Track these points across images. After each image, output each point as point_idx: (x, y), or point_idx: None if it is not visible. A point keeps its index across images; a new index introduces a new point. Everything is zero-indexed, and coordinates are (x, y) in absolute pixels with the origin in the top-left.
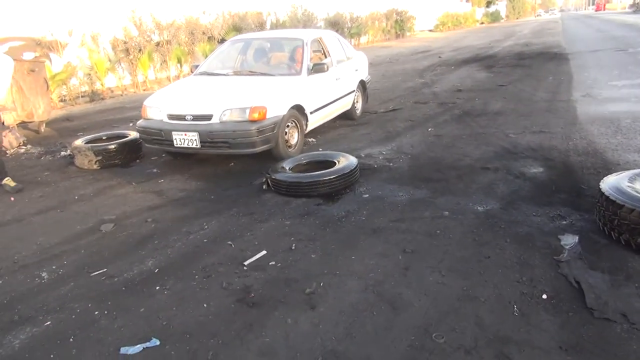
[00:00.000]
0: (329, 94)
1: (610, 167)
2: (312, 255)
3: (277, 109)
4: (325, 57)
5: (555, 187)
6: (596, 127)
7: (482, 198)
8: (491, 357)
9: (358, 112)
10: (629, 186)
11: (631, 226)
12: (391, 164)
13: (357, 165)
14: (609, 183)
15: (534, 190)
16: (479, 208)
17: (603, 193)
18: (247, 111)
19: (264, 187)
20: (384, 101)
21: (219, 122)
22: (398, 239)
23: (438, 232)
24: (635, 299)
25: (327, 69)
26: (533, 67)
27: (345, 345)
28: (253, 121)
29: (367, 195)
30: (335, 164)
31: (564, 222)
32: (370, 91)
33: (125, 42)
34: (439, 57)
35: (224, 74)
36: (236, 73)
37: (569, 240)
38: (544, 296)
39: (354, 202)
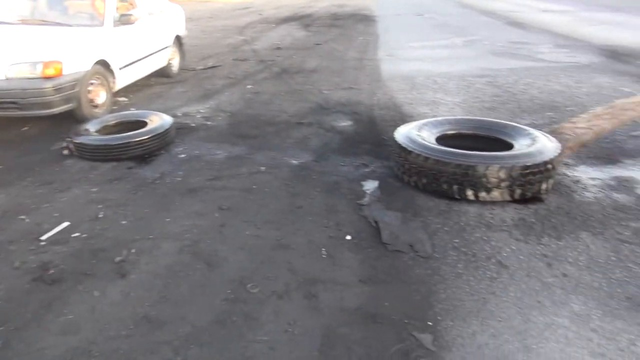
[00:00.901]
0: (140, 49)
1: (406, 119)
2: (123, 222)
3: (76, 65)
4: (134, 7)
5: (361, 138)
6: (396, 83)
7: (296, 152)
8: (301, 298)
9: (174, 69)
10: (417, 134)
11: (418, 169)
12: (209, 122)
13: (172, 125)
14: (401, 132)
15: (342, 142)
16: (293, 161)
17: (396, 141)
18: (39, 66)
19: (64, 152)
20: (203, 58)
21: (4, 78)
22: (215, 197)
23: (254, 187)
24: (420, 231)
25: (136, 21)
26: (346, 27)
27: (159, 309)
28: (47, 78)
29: (184, 155)
30: (147, 123)
31: (367, 170)
32: (188, 47)
33: None
34: (260, 14)
35: (8, 23)
36: (24, 22)
37: (370, 185)
38: (348, 237)
39: (169, 163)
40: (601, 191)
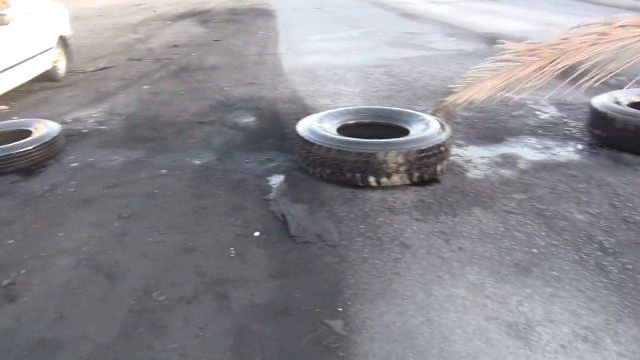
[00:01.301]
0: (17, 52)
1: (308, 112)
2: (9, 242)
3: None
4: (8, 6)
5: (265, 134)
6: (298, 77)
7: (199, 152)
8: (210, 300)
9: (61, 72)
10: (319, 126)
11: (322, 160)
12: (103, 127)
13: (60, 132)
14: (303, 125)
15: (246, 139)
16: (196, 162)
17: (299, 134)
18: None
19: None
20: (93, 59)
21: None
22: (113, 206)
23: (156, 191)
24: (326, 221)
25: (10, 22)
26: (245, 22)
27: (56, 331)
28: None
29: (77, 164)
30: (32, 133)
31: (273, 165)
32: (76, 48)
33: None
34: (154, 11)
35: None
36: None
37: (276, 180)
38: (257, 234)
39: (61, 173)
40: (489, 168)
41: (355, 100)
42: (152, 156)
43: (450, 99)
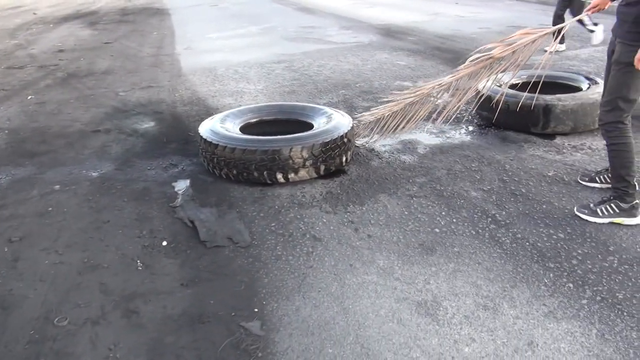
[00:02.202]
0: None
1: (211, 112)
2: None
3: None
4: None
5: (166, 138)
6: (198, 77)
7: (96, 163)
8: (119, 318)
9: None
10: (221, 127)
11: (227, 161)
12: None
13: None
14: (205, 127)
15: (147, 145)
16: (93, 174)
17: (202, 136)
18: None
19: None
20: None
21: None
22: (1, 229)
23: (50, 209)
24: (237, 222)
25: None
26: (137, 22)
27: None
28: None
29: None
30: None
31: (177, 170)
32: None
33: None
34: (34, 13)
35: None
36: None
37: (182, 185)
38: (164, 243)
39: None
40: (392, 155)
41: (258, 97)
42: (42, 171)
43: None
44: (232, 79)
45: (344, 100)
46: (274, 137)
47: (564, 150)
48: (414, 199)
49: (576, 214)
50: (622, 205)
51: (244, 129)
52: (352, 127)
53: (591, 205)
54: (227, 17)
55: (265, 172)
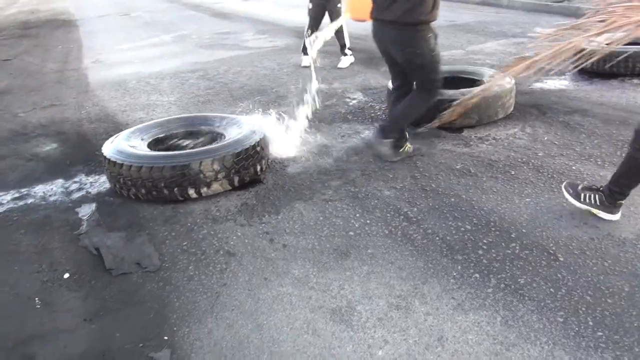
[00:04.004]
0: None
1: (121, 128)
2: None
3: None
4: None
5: (70, 160)
6: (107, 91)
7: None
8: None
9: None
10: (127, 144)
11: (134, 181)
12: None
13: None
14: (109, 145)
15: (48, 170)
16: None
17: (106, 156)
18: None
19: None
20: None
21: None
22: None
23: None
24: (146, 245)
25: None
26: (41, 36)
27: None
28: None
29: None
30: None
31: (81, 194)
32: None
33: None
34: None
35: None
36: None
37: (86, 210)
38: (66, 275)
39: None
40: (308, 160)
41: (171, 109)
42: None
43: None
44: (144, 91)
45: (260, 107)
46: (181, 151)
47: (471, 143)
48: (329, 203)
49: (562, 190)
50: (607, 202)
51: (153, 145)
52: (265, 136)
53: (579, 187)
54: (140, 27)
55: (175, 189)
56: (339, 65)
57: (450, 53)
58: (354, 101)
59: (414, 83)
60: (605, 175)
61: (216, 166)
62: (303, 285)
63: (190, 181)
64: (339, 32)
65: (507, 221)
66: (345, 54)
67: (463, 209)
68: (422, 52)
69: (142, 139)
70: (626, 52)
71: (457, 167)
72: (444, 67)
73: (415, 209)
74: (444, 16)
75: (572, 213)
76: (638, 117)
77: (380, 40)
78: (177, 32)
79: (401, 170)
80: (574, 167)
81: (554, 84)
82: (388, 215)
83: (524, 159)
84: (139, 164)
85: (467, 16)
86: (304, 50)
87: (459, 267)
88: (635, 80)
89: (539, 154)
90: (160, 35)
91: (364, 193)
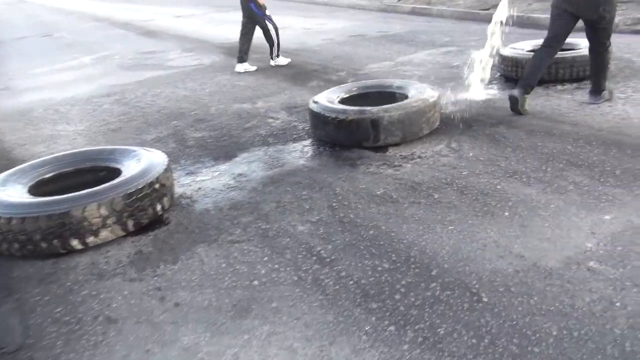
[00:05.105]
0: None
1: (16, 165)
2: None
3: None
4: None
5: None
6: (9, 123)
7: None
8: None
9: None
10: (0, 192)
11: (5, 235)
12: None
13: None
14: None
15: None
16: None
17: None
18: None
19: None
20: None
21: None
22: None
23: None
24: (11, 315)
25: None
26: None
27: None
28: None
29: None
30: None
31: None
32: None
33: None
34: None
35: None
36: None
37: None
38: None
39: None
40: (219, 193)
41: (76, 140)
42: None
43: None
44: (50, 120)
45: (175, 133)
46: (59, 196)
47: (395, 163)
48: (236, 245)
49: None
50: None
51: (36, 189)
52: (168, 167)
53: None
54: (60, 48)
55: (55, 241)
56: (275, 64)
57: (379, 65)
58: (277, 121)
59: (594, 41)
60: (530, 193)
61: (103, 211)
62: (192, 356)
63: (73, 231)
64: (267, 33)
65: (428, 255)
66: (278, 56)
67: (382, 243)
68: (613, 10)
69: (21, 184)
70: None
71: (379, 192)
72: (366, 82)
73: (330, 246)
74: (376, 27)
75: (496, 241)
76: (562, 126)
77: (575, 4)
78: (99, 53)
79: (319, 199)
80: (498, 187)
81: (480, 93)
82: (299, 256)
83: (449, 179)
84: (7, 215)
85: (398, 26)
86: (240, 59)
87: (373, 319)
88: (559, 87)
89: (464, 173)
90: (80, 57)
91: (276, 230)
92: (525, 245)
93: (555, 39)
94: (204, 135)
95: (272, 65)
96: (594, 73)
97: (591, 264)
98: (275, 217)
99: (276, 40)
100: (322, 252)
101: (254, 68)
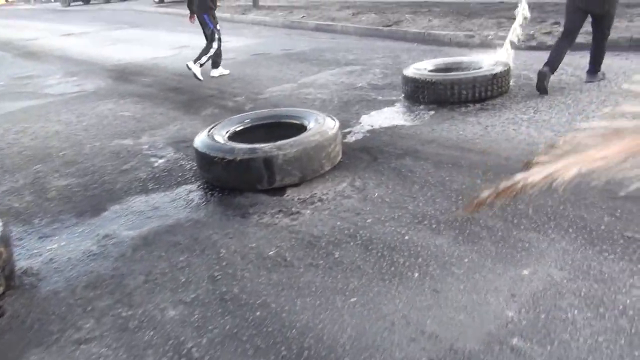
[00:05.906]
0: None
1: None
2: None
3: None
4: None
5: None
6: None
7: None
8: None
9: None
10: None
11: None
12: None
13: None
14: None
15: None
16: None
17: None
18: None
19: None
20: None
21: None
22: None
23: None
24: None
25: None
26: None
27: None
28: None
29: None
30: None
31: None
32: None
33: None
34: None
35: None
36: None
37: None
38: None
39: None
40: (76, 265)
41: None
42: None
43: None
44: None
45: (34, 182)
46: None
47: (293, 209)
48: (82, 347)
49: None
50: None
51: None
52: (4, 236)
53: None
54: None
55: None
56: (191, 68)
57: (281, 88)
58: (161, 160)
59: (598, 31)
60: (441, 244)
61: None
62: None
63: None
64: (209, 43)
65: (326, 345)
66: (201, 65)
67: (270, 329)
68: (614, 6)
69: None
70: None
71: (271, 253)
72: (261, 112)
73: (205, 339)
74: (280, 44)
75: (405, 316)
76: (469, 156)
77: (585, 1)
78: None
79: (198, 268)
80: (406, 237)
81: (383, 117)
82: (164, 359)
83: (352, 230)
84: None
85: (303, 43)
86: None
87: None
88: (463, 109)
89: (368, 221)
90: None
91: (139, 318)
92: (440, 320)
93: (571, 30)
94: (70, 182)
95: (187, 66)
96: (595, 57)
97: (515, 341)
98: (141, 298)
99: (212, 52)
100: (193, 349)
101: (227, 72)
